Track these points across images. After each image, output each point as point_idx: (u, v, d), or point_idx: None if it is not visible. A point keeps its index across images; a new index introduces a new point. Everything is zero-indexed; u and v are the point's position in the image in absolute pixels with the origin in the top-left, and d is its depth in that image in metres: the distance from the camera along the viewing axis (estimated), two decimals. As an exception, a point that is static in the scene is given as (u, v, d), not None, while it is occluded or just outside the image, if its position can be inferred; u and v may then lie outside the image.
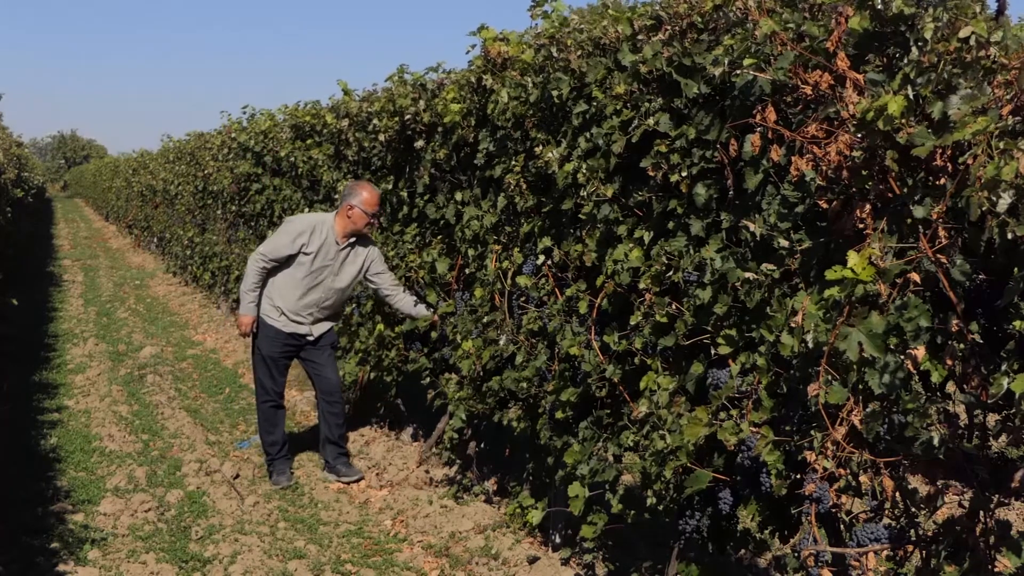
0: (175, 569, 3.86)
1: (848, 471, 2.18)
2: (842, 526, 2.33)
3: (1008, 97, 1.89)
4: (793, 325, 2.24)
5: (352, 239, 4.80)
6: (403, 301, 4.89)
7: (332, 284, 4.82)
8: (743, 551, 3.12)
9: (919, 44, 2.03)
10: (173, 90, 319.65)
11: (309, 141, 6.87)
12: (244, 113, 9.03)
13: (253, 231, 8.85)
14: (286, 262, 4.77)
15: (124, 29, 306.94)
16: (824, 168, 2.19)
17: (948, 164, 1.99)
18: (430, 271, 4.73)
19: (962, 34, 1.92)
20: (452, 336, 4.41)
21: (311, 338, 4.90)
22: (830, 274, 2.05)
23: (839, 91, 2.16)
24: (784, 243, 2.35)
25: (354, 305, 5.48)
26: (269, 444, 4.97)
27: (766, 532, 2.70)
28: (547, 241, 3.61)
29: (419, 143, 4.69)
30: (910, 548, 2.21)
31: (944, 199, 1.96)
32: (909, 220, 2.04)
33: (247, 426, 6.10)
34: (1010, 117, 1.87)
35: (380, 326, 5.20)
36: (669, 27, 2.82)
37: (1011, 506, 4.02)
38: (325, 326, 4.96)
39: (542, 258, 3.63)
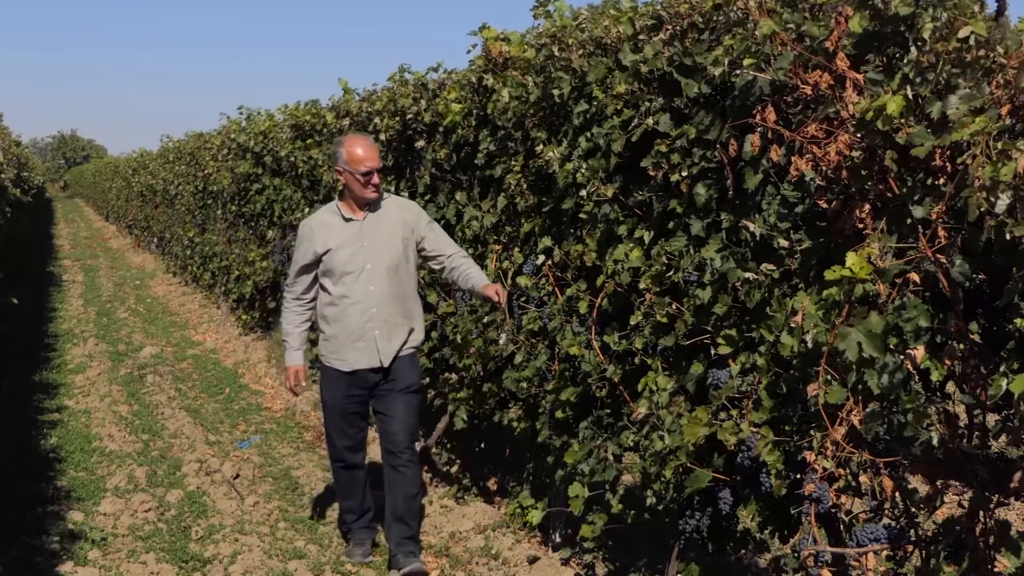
0: (175, 569, 3.87)
1: (848, 471, 2.19)
2: (842, 526, 2.33)
3: (1007, 97, 1.89)
4: (793, 325, 2.24)
5: (367, 208, 3.81)
6: (467, 271, 3.83)
7: (375, 261, 3.74)
8: (743, 551, 3.12)
9: (918, 44, 2.03)
10: (173, 90, 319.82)
11: (309, 141, 6.88)
12: (241, 113, 9.04)
13: (253, 231, 8.85)
14: (319, 277, 3.82)
15: (124, 29, 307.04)
16: (824, 168, 2.19)
17: (947, 164, 1.99)
18: (430, 271, 4.72)
19: (961, 34, 1.92)
20: (452, 336, 4.41)
21: (383, 367, 3.77)
22: (829, 274, 2.05)
23: (839, 91, 2.16)
24: (784, 243, 2.35)
25: None
26: (345, 510, 4.11)
27: (766, 532, 2.70)
28: (547, 241, 3.61)
29: (420, 143, 4.69)
30: (910, 548, 2.21)
31: (943, 199, 1.96)
32: (908, 220, 2.04)
33: (247, 426, 6.10)
34: (1008, 117, 1.88)
35: None
36: (670, 27, 2.82)
37: (1011, 506, 4.02)
38: (397, 341, 3.79)
39: (542, 258, 3.63)
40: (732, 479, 2.65)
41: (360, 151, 3.70)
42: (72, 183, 52.71)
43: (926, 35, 1.99)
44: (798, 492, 2.34)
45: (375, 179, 3.72)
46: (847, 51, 2.17)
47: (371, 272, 3.74)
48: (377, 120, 5.12)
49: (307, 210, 6.93)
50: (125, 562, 3.90)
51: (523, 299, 3.83)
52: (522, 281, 3.73)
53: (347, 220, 3.78)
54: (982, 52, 1.92)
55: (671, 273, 2.81)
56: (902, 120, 1.99)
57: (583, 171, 3.17)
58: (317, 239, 3.79)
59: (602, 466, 3.17)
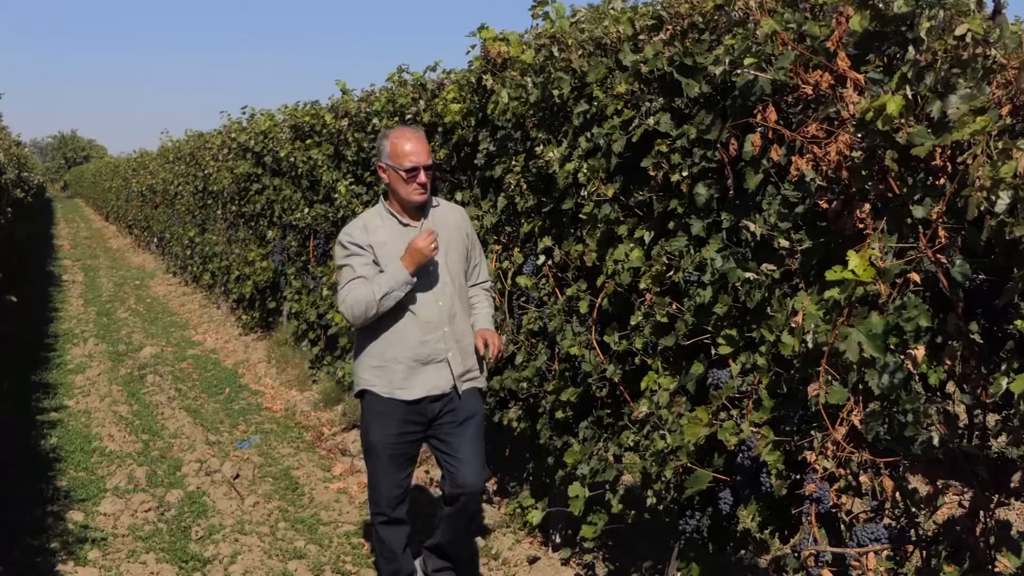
0: (175, 569, 3.87)
1: (848, 471, 2.18)
2: (842, 526, 2.33)
3: (1007, 97, 1.89)
4: (793, 325, 2.24)
5: (422, 210, 3.28)
6: (477, 308, 3.43)
7: (443, 274, 3.26)
8: (743, 551, 3.12)
9: (916, 43, 2.03)
10: (173, 90, 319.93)
11: (308, 141, 6.88)
12: (244, 113, 9.06)
13: (253, 231, 8.85)
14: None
15: (124, 29, 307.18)
16: (824, 168, 2.19)
17: (947, 164, 1.99)
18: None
19: (958, 32, 1.92)
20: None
21: (449, 394, 3.28)
22: (830, 274, 2.05)
23: (839, 91, 2.16)
24: (784, 243, 2.35)
25: None
26: (387, 574, 3.42)
27: (766, 532, 2.70)
28: (547, 241, 3.61)
29: (419, 143, 4.68)
30: (910, 548, 2.21)
31: (943, 199, 1.96)
32: (909, 220, 2.04)
33: (247, 426, 6.10)
34: (1009, 117, 1.87)
35: None
36: (670, 27, 2.82)
37: (1011, 506, 4.02)
38: (471, 362, 3.32)
39: (542, 258, 3.63)
40: (732, 479, 2.64)
41: (406, 145, 3.17)
42: (72, 183, 52.71)
43: (923, 34, 1.99)
44: (798, 492, 2.34)
45: (421, 178, 3.17)
46: (848, 51, 2.17)
47: (440, 287, 3.24)
48: (376, 120, 5.13)
49: (307, 210, 6.93)
50: (125, 562, 3.90)
51: (523, 299, 3.83)
52: (522, 281, 3.73)
53: (404, 225, 3.25)
54: (979, 50, 1.92)
55: (671, 273, 2.81)
56: (902, 120, 1.99)
57: (583, 171, 3.17)
58: (366, 236, 3.20)
59: (602, 466, 3.17)
